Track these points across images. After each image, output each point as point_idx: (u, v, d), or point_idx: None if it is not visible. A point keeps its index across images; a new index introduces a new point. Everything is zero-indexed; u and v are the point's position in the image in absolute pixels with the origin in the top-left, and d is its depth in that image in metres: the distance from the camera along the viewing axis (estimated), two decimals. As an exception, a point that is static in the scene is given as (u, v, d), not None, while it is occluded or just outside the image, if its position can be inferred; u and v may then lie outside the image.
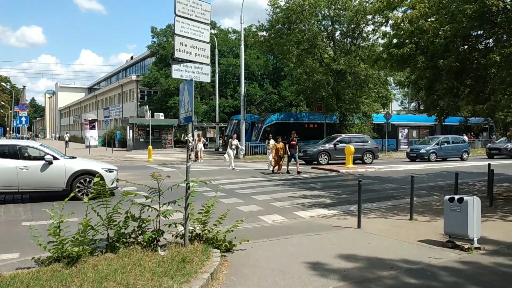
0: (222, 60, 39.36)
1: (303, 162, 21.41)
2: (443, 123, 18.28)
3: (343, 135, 23.91)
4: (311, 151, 22.02)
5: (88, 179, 10.39)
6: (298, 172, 17.09)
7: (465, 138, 29.06)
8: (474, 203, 6.05)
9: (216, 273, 4.84)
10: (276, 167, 17.50)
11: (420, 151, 24.64)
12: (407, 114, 44.38)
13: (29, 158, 10.37)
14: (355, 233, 7.20)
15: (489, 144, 30.37)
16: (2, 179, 9.73)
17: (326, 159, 21.91)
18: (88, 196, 5.76)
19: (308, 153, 21.96)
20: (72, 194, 5.49)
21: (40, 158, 10.26)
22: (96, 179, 5.63)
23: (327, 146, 22.38)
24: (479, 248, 6.03)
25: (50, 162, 10.14)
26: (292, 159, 17.69)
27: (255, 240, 6.33)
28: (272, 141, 18.69)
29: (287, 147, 17.52)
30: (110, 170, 10.98)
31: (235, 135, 22.58)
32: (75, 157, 11.79)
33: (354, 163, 20.41)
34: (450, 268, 5.28)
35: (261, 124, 29.24)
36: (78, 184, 10.31)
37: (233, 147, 20.09)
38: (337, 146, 22.00)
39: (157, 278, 4.38)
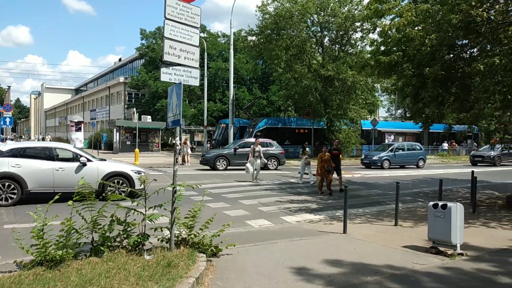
0: (211, 63, 39.32)
1: (208, 167, 20.28)
2: (429, 130, 18.56)
3: (245, 139, 22.97)
4: (208, 155, 20.81)
5: (118, 180, 10.52)
6: (341, 190, 12.71)
7: (437, 145, 29.07)
8: (457, 210, 6.15)
9: (201, 278, 4.82)
10: (322, 182, 13.22)
11: (373, 158, 24.21)
12: (394, 121, 44.95)
13: (63, 159, 10.50)
14: (340, 238, 7.25)
15: (472, 152, 30.85)
16: (39, 180, 9.96)
17: (224, 164, 20.44)
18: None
19: (205, 157, 20.82)
20: (57, 197, 5.37)
21: (73, 159, 10.50)
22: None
23: (226, 151, 21.27)
24: (461, 254, 6.13)
25: (84, 164, 10.42)
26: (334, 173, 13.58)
27: (242, 245, 6.33)
28: (308, 149, 16.45)
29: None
30: (139, 172, 11.18)
31: (258, 140, 17.43)
32: (105, 159, 12.04)
33: None
34: (433, 274, 5.35)
35: (252, 129, 29.24)
36: (109, 185, 10.37)
37: (257, 154, 16.06)
38: (237, 151, 20.75)
39: (142, 283, 4.34)
